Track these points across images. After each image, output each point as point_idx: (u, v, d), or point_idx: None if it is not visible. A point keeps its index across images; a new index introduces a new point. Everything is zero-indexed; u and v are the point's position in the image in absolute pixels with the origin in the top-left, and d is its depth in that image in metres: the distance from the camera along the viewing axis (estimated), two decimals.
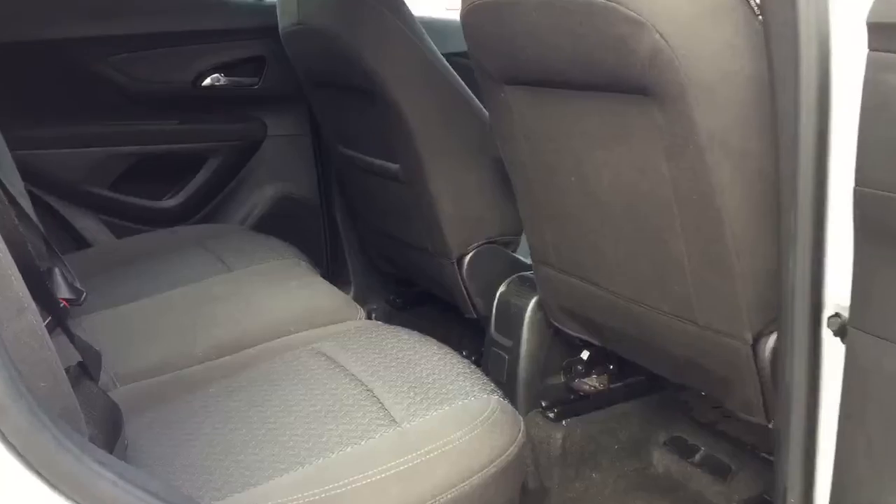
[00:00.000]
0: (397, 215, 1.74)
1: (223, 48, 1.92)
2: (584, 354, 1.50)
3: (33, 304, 0.65)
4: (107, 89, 1.83)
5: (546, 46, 1.08)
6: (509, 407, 0.98)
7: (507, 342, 1.52)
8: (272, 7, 1.84)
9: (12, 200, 1.41)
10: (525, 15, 1.09)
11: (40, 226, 1.42)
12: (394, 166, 1.63)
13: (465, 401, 0.96)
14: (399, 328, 1.20)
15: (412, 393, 0.99)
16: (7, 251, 0.63)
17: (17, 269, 0.64)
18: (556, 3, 1.02)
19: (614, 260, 1.19)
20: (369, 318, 2.03)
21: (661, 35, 0.88)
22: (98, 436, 0.91)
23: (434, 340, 1.15)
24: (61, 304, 1.34)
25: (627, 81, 0.97)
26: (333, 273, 2.08)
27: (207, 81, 1.93)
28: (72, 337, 0.98)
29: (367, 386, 1.02)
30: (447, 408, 0.95)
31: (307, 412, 0.99)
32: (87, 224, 1.89)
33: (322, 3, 1.60)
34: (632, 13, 0.89)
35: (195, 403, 1.07)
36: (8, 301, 0.61)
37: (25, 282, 0.89)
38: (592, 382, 1.50)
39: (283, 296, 1.35)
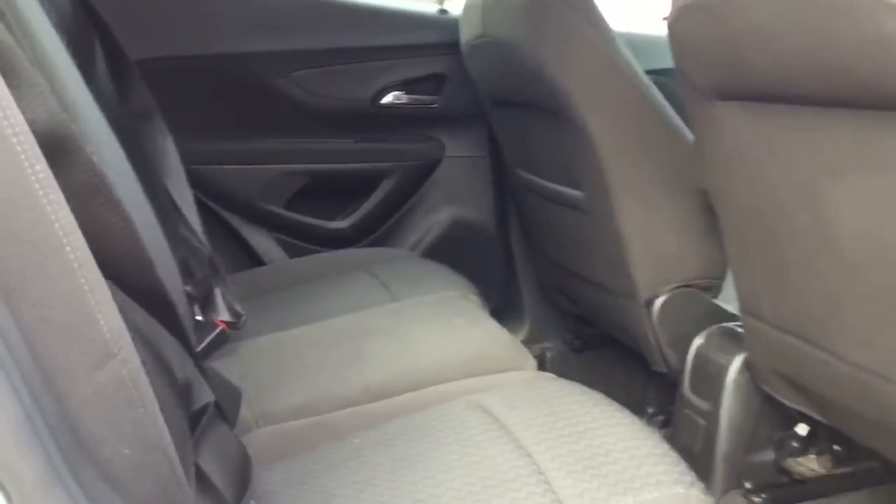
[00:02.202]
0: (578, 248, 1.56)
1: (404, 65, 1.83)
2: (801, 429, 1.24)
3: (130, 350, 0.53)
4: (286, 105, 1.80)
5: (776, 52, 0.86)
6: None
7: (704, 405, 1.29)
8: (453, 21, 1.73)
9: (179, 215, 1.38)
10: (749, 13, 0.88)
11: (206, 242, 1.38)
12: (577, 194, 1.45)
13: (657, 494, 0.76)
14: (576, 385, 1.02)
15: (587, 474, 0.80)
16: (101, 284, 0.52)
17: (112, 308, 0.52)
18: None
19: (855, 322, 0.94)
20: (543, 358, 1.88)
21: None
22: (227, 490, 0.81)
23: (617, 405, 0.96)
24: (218, 329, 1.28)
25: (892, 95, 0.74)
26: (506, 306, 1.93)
27: (387, 99, 1.85)
28: (205, 374, 0.88)
29: (532, 457, 0.85)
30: (632, 501, 0.76)
31: (460, 483, 0.83)
32: (261, 242, 1.86)
33: (509, 13, 1.46)
34: None
35: (338, 455, 0.95)
36: (89, 347, 0.49)
37: (162, 317, 0.80)
38: (811, 464, 1.24)
39: (447, 335, 1.21)
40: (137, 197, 1.10)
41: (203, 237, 1.38)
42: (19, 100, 0.58)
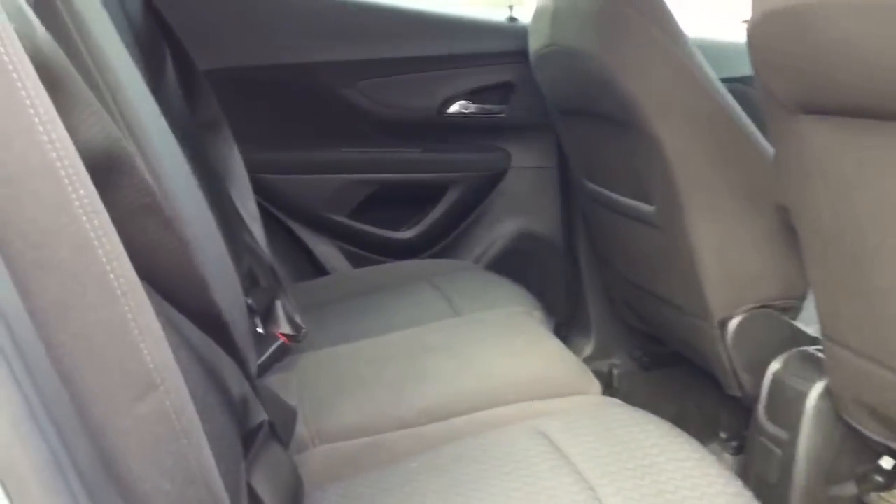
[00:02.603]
0: (648, 264, 1.50)
1: (471, 73, 1.81)
2: (886, 462, 1.16)
3: (174, 379, 0.52)
4: (352, 115, 1.79)
5: (871, 66, 0.80)
6: None
7: (780, 434, 1.22)
8: (522, 29, 1.70)
9: (243, 224, 1.38)
10: (835, 23, 0.82)
11: (267, 253, 1.38)
12: (648, 208, 1.40)
13: None
14: (643, 413, 0.97)
15: None
16: (146, 311, 0.50)
17: (157, 335, 0.51)
18: (883, 4, 0.75)
19: None
20: (610, 375, 1.82)
21: None
22: None
23: (686, 437, 0.91)
24: (279, 342, 1.27)
25: None
26: (572, 321, 1.88)
27: (454, 108, 1.82)
28: (259, 393, 0.87)
29: (594, 491, 0.81)
30: None
31: None
32: (325, 251, 1.86)
33: (578, 21, 1.41)
34: None
35: (393, 478, 0.92)
36: (131, 378, 0.48)
37: (216, 336, 0.79)
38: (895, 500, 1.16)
39: (508, 354, 1.17)
40: (201, 209, 1.10)
41: (265, 249, 1.38)
42: (71, 120, 0.57)
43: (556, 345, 1.20)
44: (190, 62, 1.44)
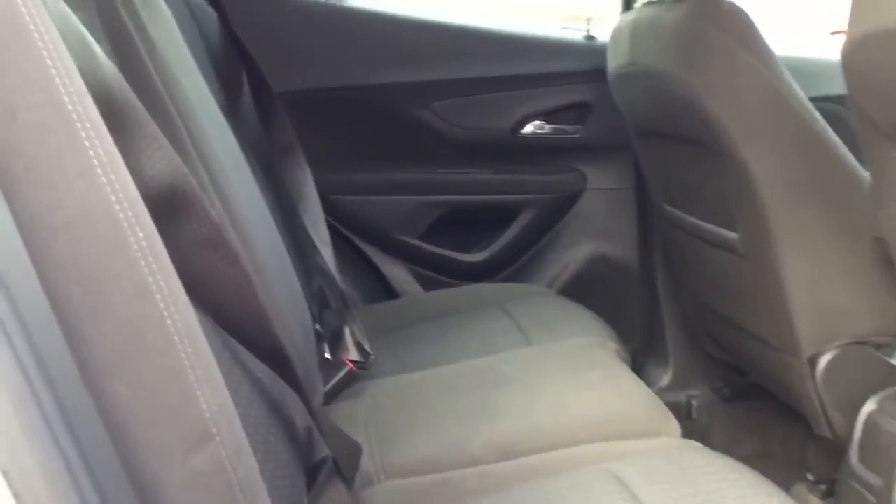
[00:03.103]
0: (731, 294, 1.43)
1: (547, 93, 1.77)
2: None
3: (233, 428, 0.50)
4: (426, 136, 1.77)
5: None
6: None
7: (874, 480, 1.14)
8: (600, 48, 1.65)
9: (314, 248, 1.38)
10: None
11: (338, 278, 1.37)
12: (731, 235, 1.33)
13: None
14: (726, 459, 0.91)
15: None
16: (205, 355, 0.48)
17: (215, 381, 0.49)
18: None
19: None
20: (689, 406, 1.75)
21: None
22: None
23: (773, 487, 0.84)
24: (346, 369, 1.26)
25: None
26: (649, 348, 1.81)
27: (528, 129, 1.79)
28: (322, 429, 0.85)
29: None
30: None
31: None
32: (396, 273, 1.84)
33: (659, 39, 1.36)
34: None
35: None
36: (187, 428, 0.46)
37: (278, 370, 0.77)
38: None
39: (582, 389, 1.12)
40: (271, 234, 1.10)
41: (335, 273, 1.37)
42: (135, 155, 0.56)
43: (632, 380, 1.15)
44: (265, 85, 1.45)
